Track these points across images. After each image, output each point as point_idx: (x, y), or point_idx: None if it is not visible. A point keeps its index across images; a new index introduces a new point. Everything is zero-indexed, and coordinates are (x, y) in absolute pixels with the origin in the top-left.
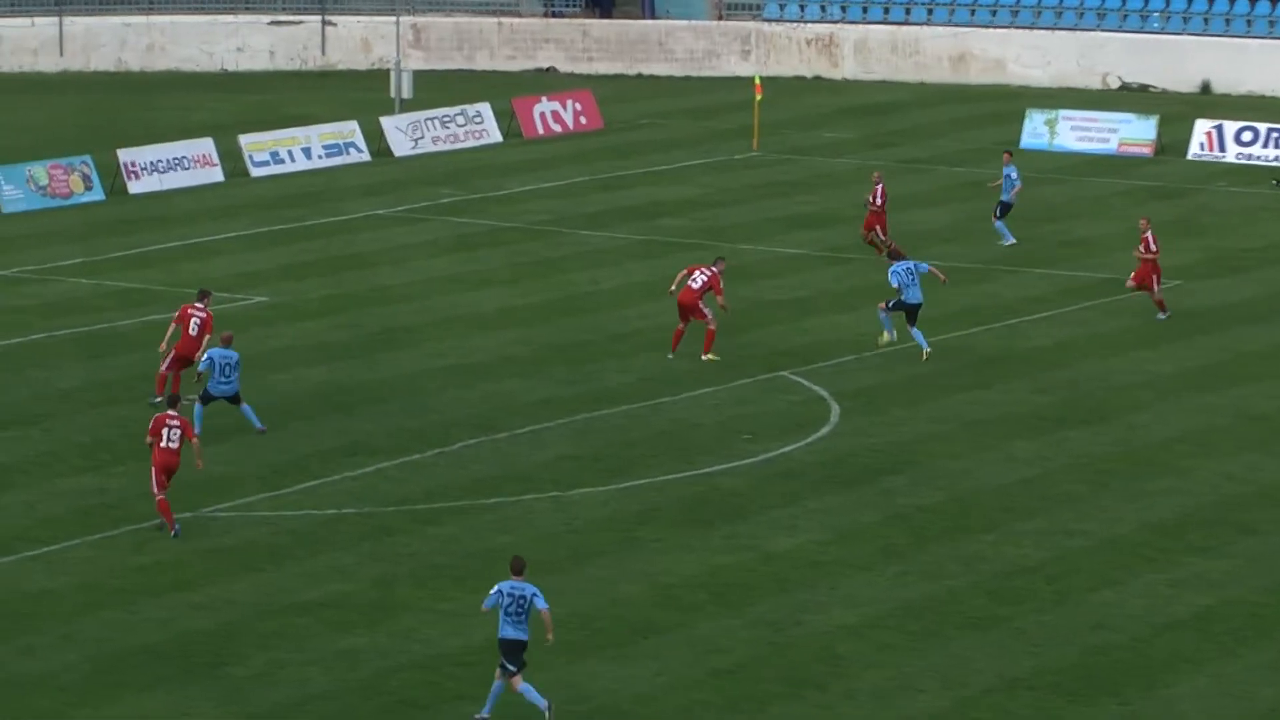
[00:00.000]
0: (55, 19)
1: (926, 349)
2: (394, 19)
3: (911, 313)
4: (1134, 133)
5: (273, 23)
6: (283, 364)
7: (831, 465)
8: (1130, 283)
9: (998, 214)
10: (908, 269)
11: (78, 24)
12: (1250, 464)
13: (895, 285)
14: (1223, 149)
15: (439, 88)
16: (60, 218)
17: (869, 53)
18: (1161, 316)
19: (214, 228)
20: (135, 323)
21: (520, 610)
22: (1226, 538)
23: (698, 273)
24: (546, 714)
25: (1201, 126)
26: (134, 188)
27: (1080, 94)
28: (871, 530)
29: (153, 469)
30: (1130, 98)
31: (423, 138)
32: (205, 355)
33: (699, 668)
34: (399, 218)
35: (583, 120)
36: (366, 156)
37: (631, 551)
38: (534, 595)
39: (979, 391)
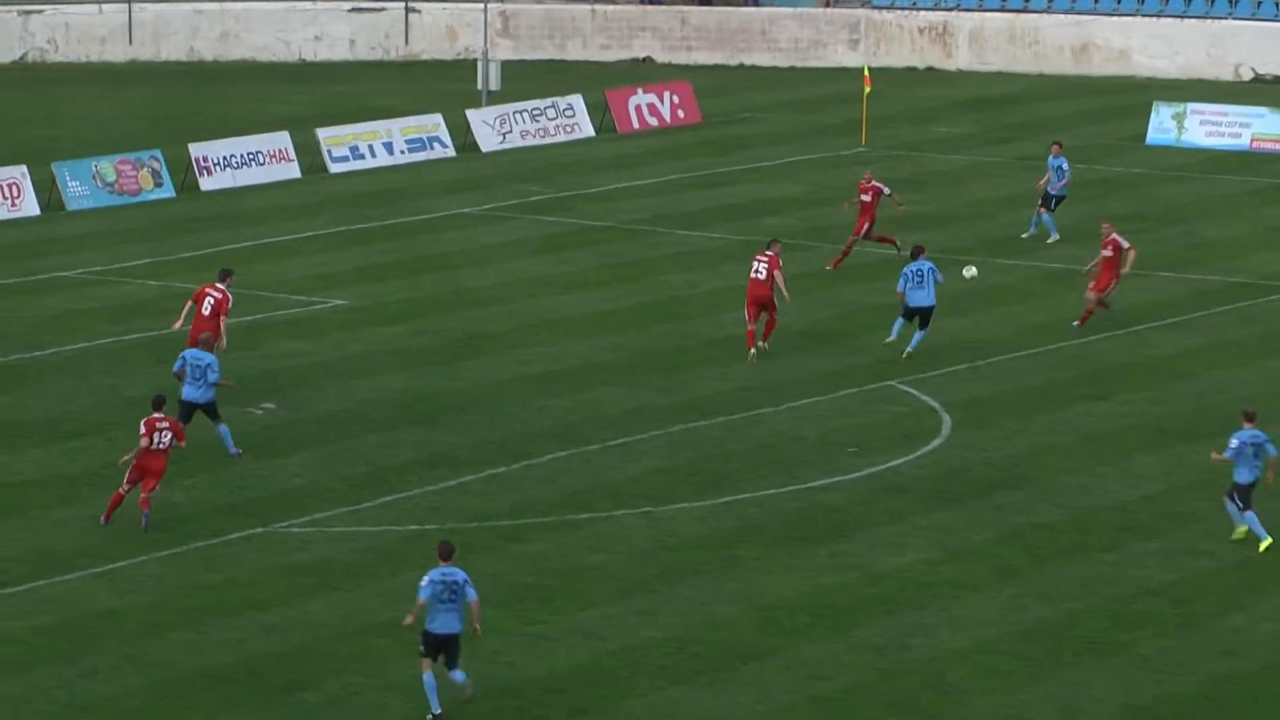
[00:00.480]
0: (124, 5)
1: (908, 349)
2: (481, 6)
3: (919, 317)
4: (1268, 127)
5: (353, 9)
6: (361, 371)
7: (941, 480)
8: (1091, 293)
9: (1051, 207)
10: (916, 270)
11: (148, 10)
12: None
13: (900, 288)
14: None
15: (528, 79)
16: (128, 216)
17: (985, 42)
18: (1075, 325)
19: (289, 227)
20: None
21: (453, 598)
22: None
23: (755, 263)
24: (466, 691)
25: None
26: (205, 184)
27: (1210, 86)
28: (984, 549)
29: (133, 465)
30: (1264, 90)
31: (511, 132)
32: (180, 356)
33: (800, 694)
34: (485, 216)
35: (680, 114)
36: (451, 152)
37: (729, 571)
38: (465, 583)
39: (1099, 403)
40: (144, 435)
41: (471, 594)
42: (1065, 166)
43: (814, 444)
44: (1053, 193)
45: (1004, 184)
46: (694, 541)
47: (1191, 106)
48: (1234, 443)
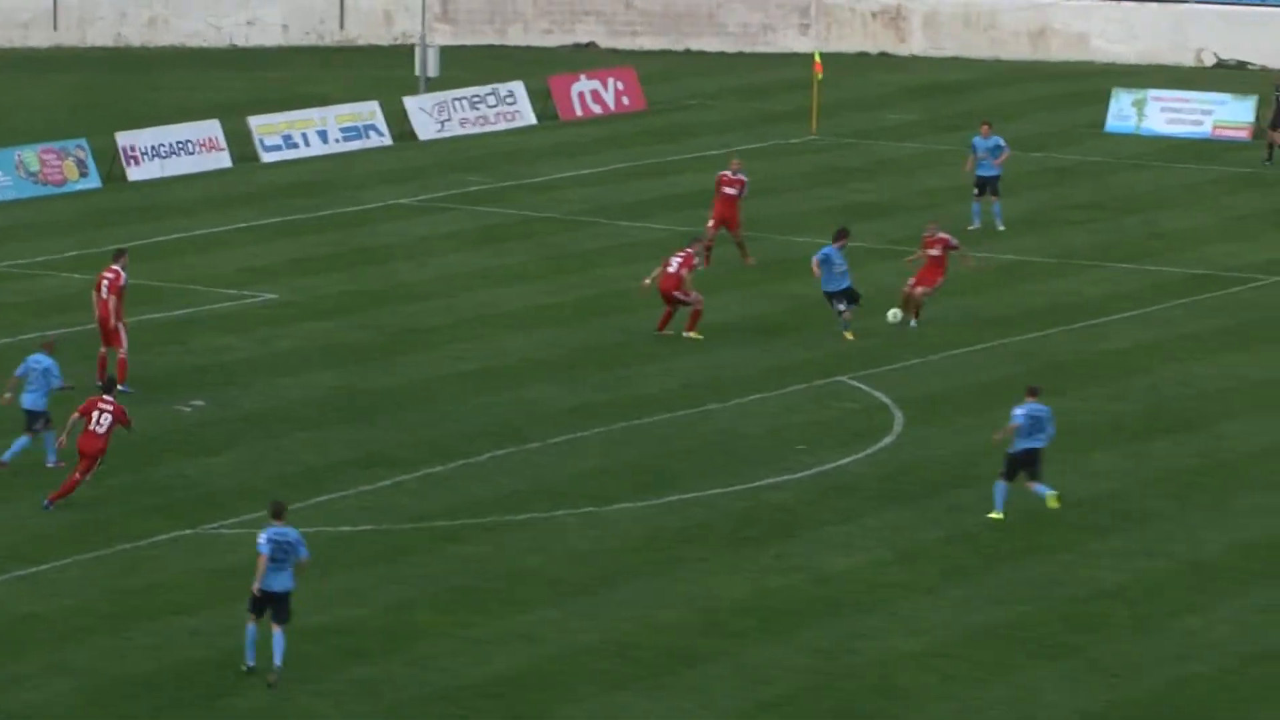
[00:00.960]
0: None
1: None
2: None
3: (838, 298)
4: (1229, 114)
5: None
6: (293, 367)
7: (892, 478)
8: (916, 289)
9: (996, 191)
10: (824, 255)
11: None
12: None
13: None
14: None
15: (468, 65)
16: (52, 207)
17: (939, 27)
18: (913, 323)
19: (220, 218)
20: (133, 322)
21: (285, 556)
22: None
23: (673, 259)
24: (270, 678)
25: None
26: (133, 174)
27: (1171, 72)
28: (935, 549)
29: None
30: (1225, 76)
31: (449, 120)
32: (24, 361)
33: (745, 699)
34: (422, 207)
35: (625, 101)
36: (388, 140)
37: (672, 572)
38: (298, 542)
39: (1054, 398)
40: (81, 414)
41: (303, 553)
42: (1002, 144)
43: (761, 441)
44: (987, 175)
45: (957, 173)
46: (636, 542)
47: (1152, 93)
48: (1018, 413)
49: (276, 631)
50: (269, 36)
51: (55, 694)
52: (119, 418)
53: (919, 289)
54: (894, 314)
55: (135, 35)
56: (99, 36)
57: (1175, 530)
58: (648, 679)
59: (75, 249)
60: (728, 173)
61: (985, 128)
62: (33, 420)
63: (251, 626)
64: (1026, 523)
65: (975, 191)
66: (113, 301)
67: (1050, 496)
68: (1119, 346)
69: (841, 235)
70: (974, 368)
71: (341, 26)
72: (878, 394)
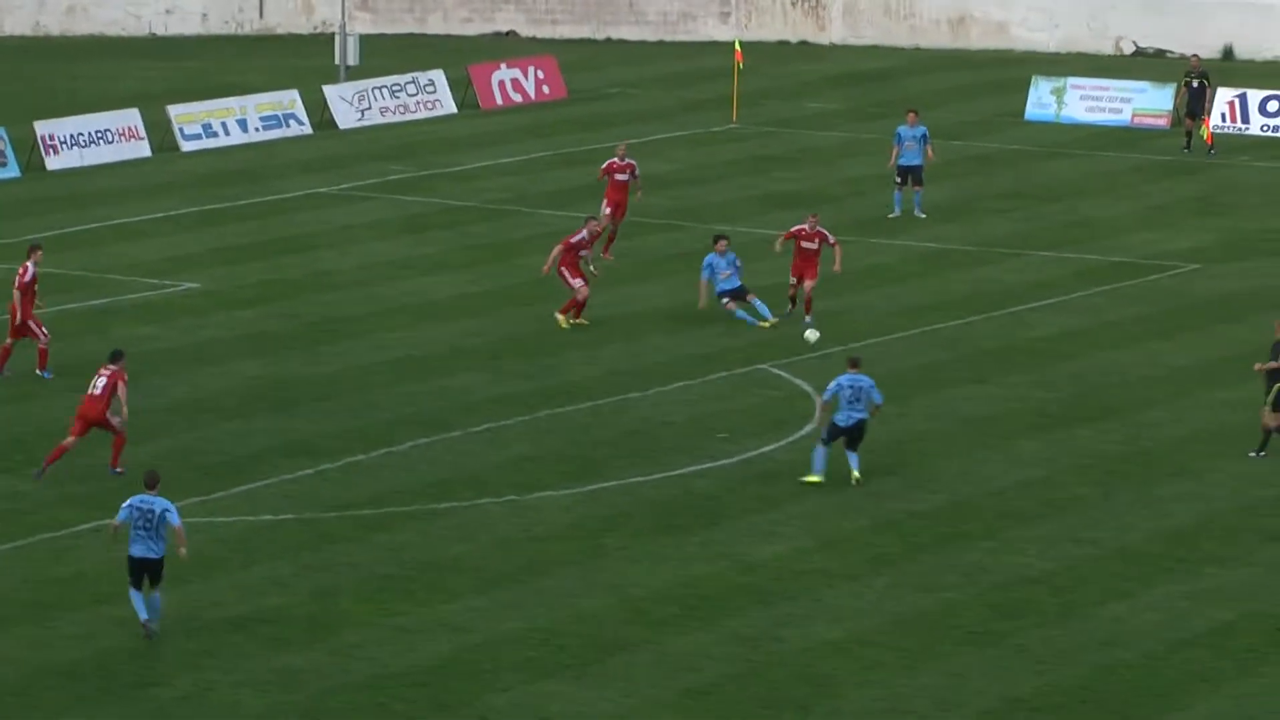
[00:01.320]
0: None
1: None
2: None
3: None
4: (1149, 102)
5: None
6: (215, 356)
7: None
8: (803, 283)
9: (920, 180)
10: (708, 263)
11: None
12: (1273, 466)
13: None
14: (1246, 120)
15: (388, 53)
16: None
17: (859, 15)
18: (808, 319)
19: (140, 207)
20: (54, 311)
21: (148, 525)
22: (1247, 546)
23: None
24: (147, 627)
25: (1223, 96)
26: (52, 163)
27: (1090, 60)
28: (859, 537)
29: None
30: (1145, 64)
31: (370, 108)
32: None
33: (670, 688)
34: (343, 196)
35: (545, 89)
36: (308, 129)
37: (596, 561)
38: (165, 510)
39: (977, 386)
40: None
41: (174, 520)
42: (926, 134)
43: (684, 429)
44: (912, 165)
45: (878, 161)
46: (560, 531)
47: (1071, 81)
48: (831, 385)
49: (153, 594)
50: (188, 25)
51: None
52: (114, 382)
53: (806, 283)
54: (811, 335)
55: (54, 24)
56: (17, 25)
57: (1101, 517)
58: (573, 667)
59: None
60: (615, 159)
61: (911, 116)
62: None
63: (134, 593)
64: (951, 510)
65: (898, 180)
66: (16, 297)
67: (857, 475)
68: (1042, 334)
69: (719, 240)
70: (896, 355)
71: (261, 15)
72: (799, 382)
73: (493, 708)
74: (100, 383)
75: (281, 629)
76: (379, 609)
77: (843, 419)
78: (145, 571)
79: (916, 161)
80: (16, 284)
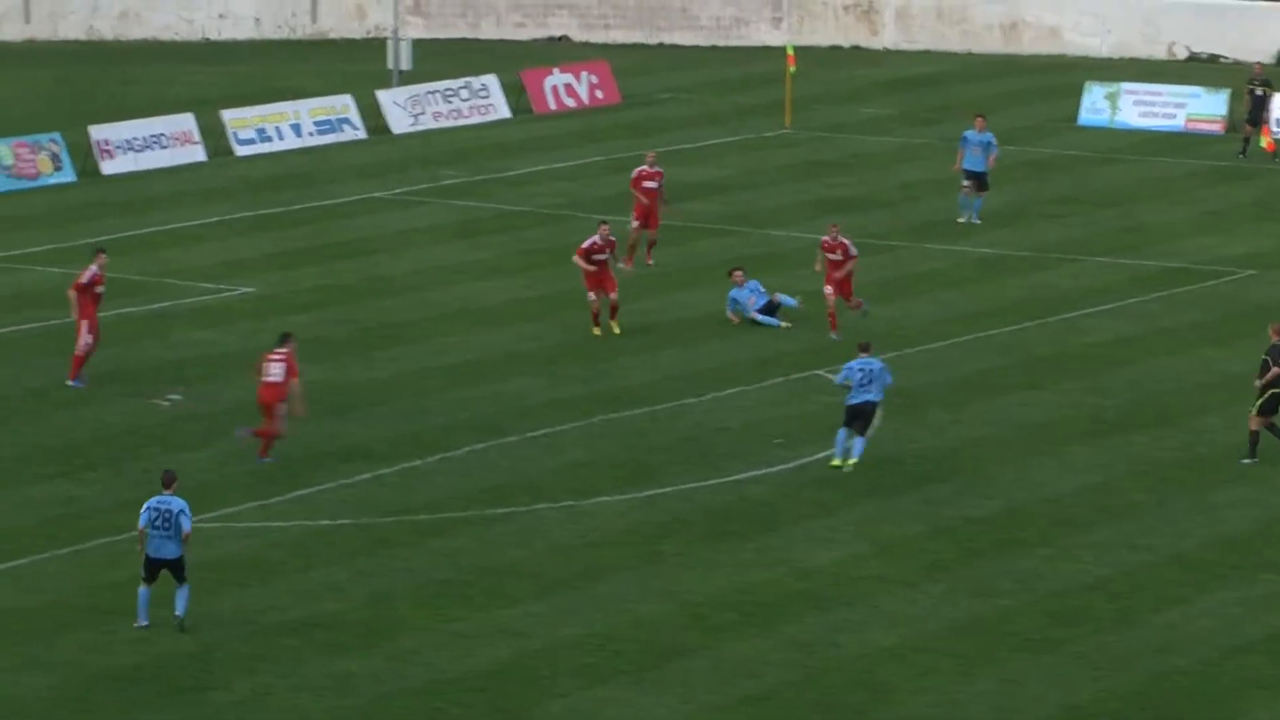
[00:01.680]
0: None
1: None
2: None
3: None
4: (1203, 108)
5: None
6: None
7: (871, 472)
8: (834, 297)
9: (985, 186)
10: (732, 298)
11: None
12: None
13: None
14: None
15: (441, 58)
16: (26, 201)
17: (912, 20)
18: (835, 336)
19: (195, 212)
20: (111, 315)
21: (167, 525)
22: None
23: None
24: (177, 620)
25: (1279, 101)
26: (107, 168)
27: (1144, 65)
28: (915, 544)
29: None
30: (1199, 69)
31: (423, 114)
32: None
33: (727, 694)
34: (397, 201)
35: (598, 94)
36: (362, 134)
37: (653, 567)
38: (180, 511)
39: (1032, 392)
40: (256, 370)
41: (185, 525)
42: (994, 140)
43: (740, 435)
44: (977, 170)
45: (932, 166)
46: (617, 536)
47: (1125, 86)
48: (844, 370)
49: (180, 589)
50: (241, 30)
51: (31, 689)
52: (290, 369)
53: (836, 297)
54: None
55: (108, 29)
56: (71, 30)
57: (1156, 524)
58: (630, 673)
59: (50, 243)
60: (645, 167)
61: (980, 121)
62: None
63: (143, 590)
64: (1006, 517)
65: (966, 184)
66: (73, 297)
67: (852, 462)
68: (1097, 340)
69: (734, 271)
70: (951, 362)
71: (314, 20)
72: None
73: (550, 714)
74: (275, 368)
75: (338, 634)
76: (436, 614)
77: (854, 399)
78: (163, 569)
79: (981, 168)
80: (73, 285)
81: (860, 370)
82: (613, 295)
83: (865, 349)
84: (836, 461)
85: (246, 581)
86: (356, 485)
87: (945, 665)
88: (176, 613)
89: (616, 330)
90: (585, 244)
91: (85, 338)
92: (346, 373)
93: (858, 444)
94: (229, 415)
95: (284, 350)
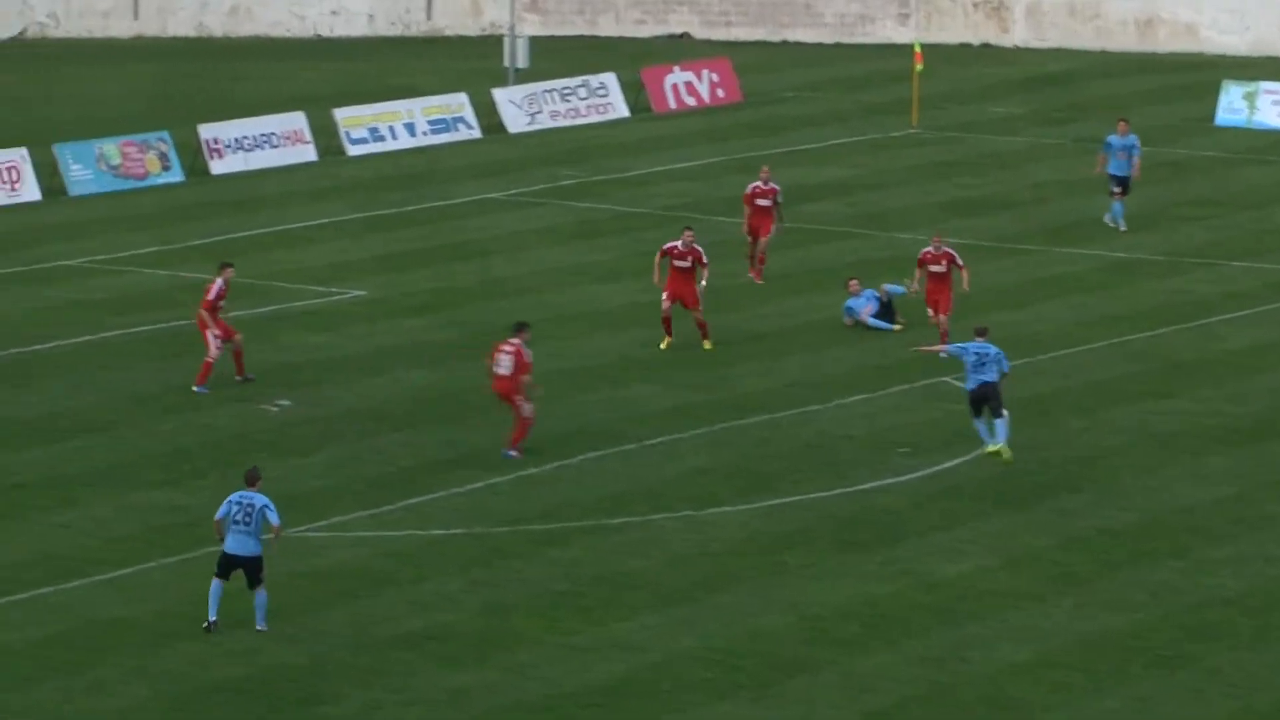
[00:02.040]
0: None
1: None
2: None
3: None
4: None
5: None
6: (382, 366)
7: (1000, 482)
8: (941, 316)
9: (1126, 190)
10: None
11: None
12: None
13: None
14: None
15: (558, 56)
16: (134, 201)
17: (1043, 17)
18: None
19: (305, 213)
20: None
21: (248, 520)
22: None
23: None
24: (212, 626)
25: None
26: (216, 168)
27: None
28: (1046, 555)
29: None
30: None
31: (540, 112)
32: None
33: (851, 710)
34: (513, 202)
35: (720, 93)
36: (477, 133)
37: (775, 579)
38: (265, 507)
39: (1167, 400)
40: (488, 360)
41: (273, 518)
42: (1137, 144)
43: (864, 443)
44: (1121, 174)
45: (1064, 167)
46: (737, 547)
47: (1264, 85)
48: (957, 346)
49: (256, 594)
50: (354, 27)
51: (135, 700)
52: (519, 362)
53: (941, 317)
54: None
55: (217, 25)
56: (180, 26)
57: None
58: (751, 688)
59: (157, 244)
60: (759, 183)
61: (1122, 125)
62: None
63: (216, 584)
64: (1139, 528)
65: (1115, 190)
66: (205, 315)
67: (1003, 447)
68: (1234, 346)
69: (851, 281)
70: (1084, 368)
71: (428, 17)
72: None
73: None
74: (505, 360)
75: (452, 646)
76: (552, 626)
77: (971, 384)
78: (238, 567)
79: (1125, 172)
80: (203, 304)
81: (975, 353)
82: (696, 312)
83: (982, 333)
84: (991, 448)
85: (357, 592)
86: (469, 493)
87: (1077, 681)
88: (258, 626)
89: (708, 346)
90: (667, 245)
91: (215, 346)
92: (459, 377)
93: (999, 426)
94: (340, 420)
95: (515, 341)
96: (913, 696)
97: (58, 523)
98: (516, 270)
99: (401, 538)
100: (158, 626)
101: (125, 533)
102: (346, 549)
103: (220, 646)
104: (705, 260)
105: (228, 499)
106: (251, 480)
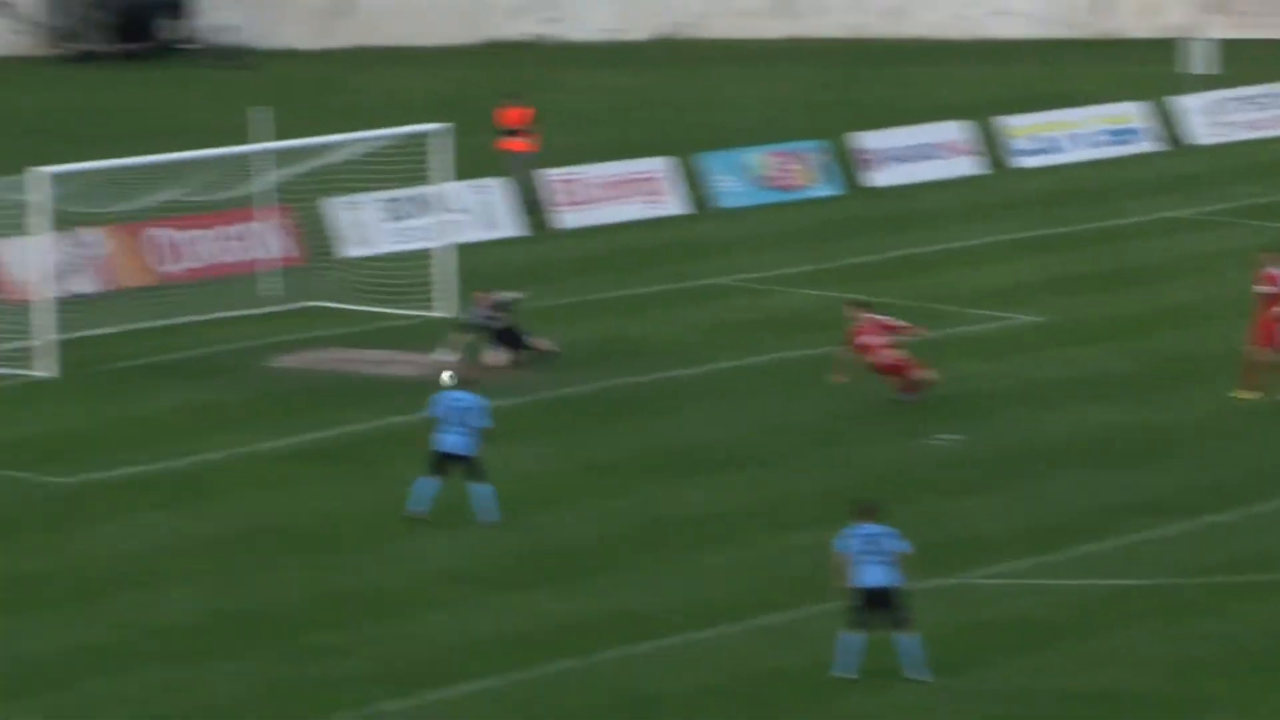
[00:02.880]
0: None
1: None
2: None
3: None
4: None
5: None
6: (1054, 399)
7: None
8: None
9: None
10: None
11: None
12: None
13: None
14: None
15: (1249, 61)
16: (785, 215)
17: None
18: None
19: (964, 230)
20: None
21: (876, 550)
22: None
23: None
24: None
25: None
26: (873, 180)
27: None
28: None
29: None
30: None
31: (1229, 123)
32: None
33: None
34: (1196, 221)
35: None
36: (1156, 145)
37: None
38: (892, 536)
39: None
40: None
41: (903, 545)
42: None
43: None
44: None
45: None
46: None
47: None
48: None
49: (910, 640)
50: (1018, 27)
51: None
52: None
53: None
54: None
55: (874, 25)
56: (833, 27)
57: None
58: None
59: (811, 263)
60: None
61: None
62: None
63: (848, 637)
64: None
65: None
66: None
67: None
68: None
69: None
70: None
71: (1101, 16)
72: None
73: None
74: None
75: (1133, 709)
76: (1244, 690)
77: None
78: (883, 607)
79: None
80: (852, 339)
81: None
82: None
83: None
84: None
85: (1023, 647)
86: (1150, 541)
87: None
88: (906, 674)
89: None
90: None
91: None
92: (1139, 413)
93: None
94: (1010, 460)
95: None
96: None
97: (710, 564)
98: (1202, 295)
99: (1074, 587)
100: (815, 676)
101: (786, 577)
102: (1014, 599)
103: (882, 697)
104: None
105: (843, 532)
106: (868, 513)
